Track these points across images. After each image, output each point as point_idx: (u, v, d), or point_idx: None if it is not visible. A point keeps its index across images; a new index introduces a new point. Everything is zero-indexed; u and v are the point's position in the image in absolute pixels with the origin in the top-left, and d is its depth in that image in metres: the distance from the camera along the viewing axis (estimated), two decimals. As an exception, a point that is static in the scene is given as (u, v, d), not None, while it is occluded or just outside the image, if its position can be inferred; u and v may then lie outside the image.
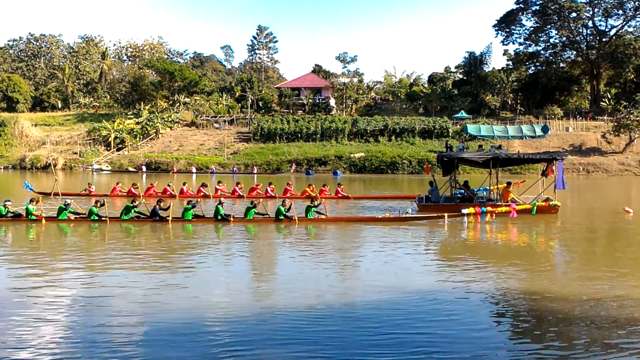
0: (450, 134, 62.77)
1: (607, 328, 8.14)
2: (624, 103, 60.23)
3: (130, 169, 57.29)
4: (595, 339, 7.73)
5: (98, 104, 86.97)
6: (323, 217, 19.48)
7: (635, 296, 9.84)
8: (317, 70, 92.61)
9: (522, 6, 78.21)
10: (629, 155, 55.90)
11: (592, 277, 11.38)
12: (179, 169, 56.76)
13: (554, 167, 21.58)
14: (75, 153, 63.16)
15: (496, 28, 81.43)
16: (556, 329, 8.15)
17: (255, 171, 54.77)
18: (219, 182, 30.80)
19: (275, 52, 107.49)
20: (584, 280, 11.16)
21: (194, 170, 56.04)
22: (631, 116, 56.14)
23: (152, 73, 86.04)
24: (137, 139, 66.68)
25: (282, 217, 18.73)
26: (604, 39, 75.99)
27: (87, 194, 28.03)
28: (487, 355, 7.19)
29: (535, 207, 20.13)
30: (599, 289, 10.32)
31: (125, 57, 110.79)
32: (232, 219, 18.78)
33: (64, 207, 19.06)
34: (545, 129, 61.33)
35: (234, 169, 56.33)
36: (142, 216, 19.26)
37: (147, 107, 74.01)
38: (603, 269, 12.08)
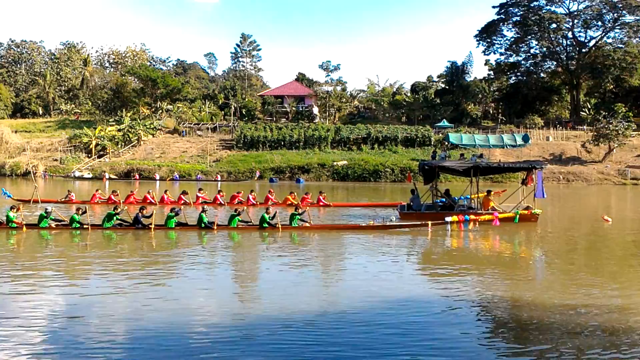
0: (432, 143, 63.17)
1: (587, 335, 8.24)
2: (604, 113, 60.97)
3: (113, 175, 56.69)
4: (575, 346, 7.82)
5: (79, 111, 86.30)
6: (307, 225, 19.49)
7: (614, 304, 9.97)
8: (301, 78, 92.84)
9: (503, 17, 79.20)
10: (608, 165, 56.64)
11: (571, 285, 11.51)
12: (141, 175, 56.20)
13: (533, 176, 21.81)
14: (56, 160, 62.50)
15: (477, 38, 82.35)
16: (537, 337, 8.23)
17: (219, 179, 54.34)
18: (200, 189, 30.67)
19: (258, 60, 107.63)
20: (564, 288, 11.29)
21: (157, 177, 55.20)
22: (610, 126, 56.88)
23: (134, 80, 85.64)
24: (119, 146, 66.18)
25: (266, 225, 18.71)
26: (583, 50, 77.15)
27: (67, 201, 27.77)
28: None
29: (517, 216, 20.33)
30: (579, 297, 10.45)
31: (107, 64, 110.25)
32: (215, 227, 18.72)
33: (44, 214, 18.85)
34: (525, 138, 61.89)
35: (198, 176, 55.66)
36: (124, 224, 19.11)
37: (129, 114, 73.51)
38: (582, 277, 12.24)
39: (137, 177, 55.16)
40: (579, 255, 16.01)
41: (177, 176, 55.39)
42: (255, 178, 55.25)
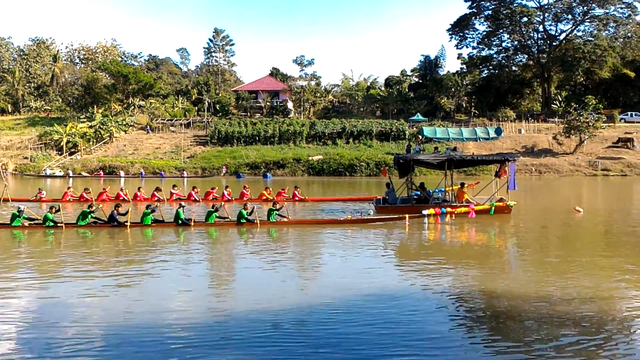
0: (406, 137, 63.59)
1: (558, 325, 8.37)
2: (574, 105, 62.01)
3: (85, 173, 55.94)
4: (547, 336, 7.95)
5: (50, 108, 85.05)
6: (285, 220, 19.48)
7: (585, 294, 10.13)
8: (275, 73, 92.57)
9: (475, 11, 79.91)
10: (579, 156, 57.59)
11: (545, 275, 11.68)
12: (106, 172, 55.75)
13: (506, 168, 22.07)
14: (26, 158, 61.49)
15: (450, 32, 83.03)
16: (511, 327, 8.37)
17: (185, 175, 54.05)
18: (173, 186, 30.40)
19: (232, 55, 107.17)
20: (538, 278, 11.45)
21: (122, 174, 54.75)
22: (581, 118, 57.83)
23: (105, 76, 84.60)
24: (91, 143, 65.35)
25: (244, 221, 18.63)
26: (554, 43, 78.24)
27: (37, 200, 27.39)
28: (443, 355, 7.33)
29: (493, 208, 20.58)
30: (552, 287, 10.60)
31: (77, 60, 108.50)
32: (192, 223, 18.59)
33: (17, 213, 18.53)
34: (498, 131, 62.79)
35: (162, 172, 55.24)
36: (99, 221, 18.87)
37: (100, 111, 72.64)
38: (555, 268, 12.43)
39: (102, 174, 54.63)
40: (551, 246, 16.25)
41: (143, 173, 54.89)
42: (222, 174, 55.04)
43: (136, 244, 16.36)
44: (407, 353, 7.33)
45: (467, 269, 12.50)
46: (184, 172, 54.90)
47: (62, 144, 63.91)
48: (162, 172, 55.03)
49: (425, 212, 19.37)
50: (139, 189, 29.28)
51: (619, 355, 7.28)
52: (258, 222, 18.65)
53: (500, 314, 9.08)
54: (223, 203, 22.75)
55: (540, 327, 8.30)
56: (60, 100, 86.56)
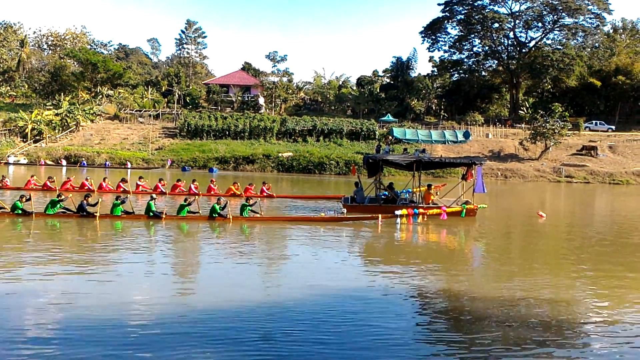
0: (377, 137, 64.00)
1: (519, 326, 8.63)
2: (541, 112, 63.07)
3: (49, 162, 54.89)
4: (508, 337, 8.19)
5: (15, 94, 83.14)
6: (258, 216, 19.50)
7: (545, 296, 10.48)
8: (247, 68, 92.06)
9: (448, 15, 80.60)
10: (544, 162, 58.67)
11: (506, 278, 12.05)
12: (46, 162, 54.74)
13: (473, 172, 22.40)
14: (-11, 144, 60.08)
15: (423, 35, 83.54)
16: (472, 328, 8.58)
17: (129, 166, 53.18)
18: (140, 177, 30.12)
19: (204, 48, 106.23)
20: (499, 281, 11.82)
21: (63, 163, 53.84)
22: (547, 125, 58.87)
23: (73, 63, 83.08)
24: (56, 131, 64.08)
25: (216, 215, 18.59)
26: (523, 50, 79.49)
27: (0, 187, 26.94)
28: (404, 356, 7.47)
29: (464, 210, 20.90)
30: (513, 290, 10.94)
31: (45, 46, 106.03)
32: (164, 216, 18.48)
33: (-16, 201, 18.21)
34: (466, 135, 63.66)
35: (107, 163, 54.33)
36: (68, 211, 18.64)
37: (67, 99, 71.23)
38: (517, 271, 12.83)
39: (43, 163, 53.75)
40: (514, 249, 16.67)
41: (85, 163, 54.12)
42: (167, 166, 54.64)
43: (105, 236, 16.21)
44: (369, 355, 7.44)
45: (433, 271, 12.72)
46: (128, 164, 54.06)
47: (26, 131, 62.56)
48: (107, 163, 54.08)
49: (398, 212, 19.58)
50: (104, 179, 28.94)
51: (574, 357, 7.56)
52: (230, 217, 18.64)
53: (460, 314, 9.34)
54: (196, 197, 22.63)
55: (500, 328, 8.54)
56: (26, 86, 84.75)
